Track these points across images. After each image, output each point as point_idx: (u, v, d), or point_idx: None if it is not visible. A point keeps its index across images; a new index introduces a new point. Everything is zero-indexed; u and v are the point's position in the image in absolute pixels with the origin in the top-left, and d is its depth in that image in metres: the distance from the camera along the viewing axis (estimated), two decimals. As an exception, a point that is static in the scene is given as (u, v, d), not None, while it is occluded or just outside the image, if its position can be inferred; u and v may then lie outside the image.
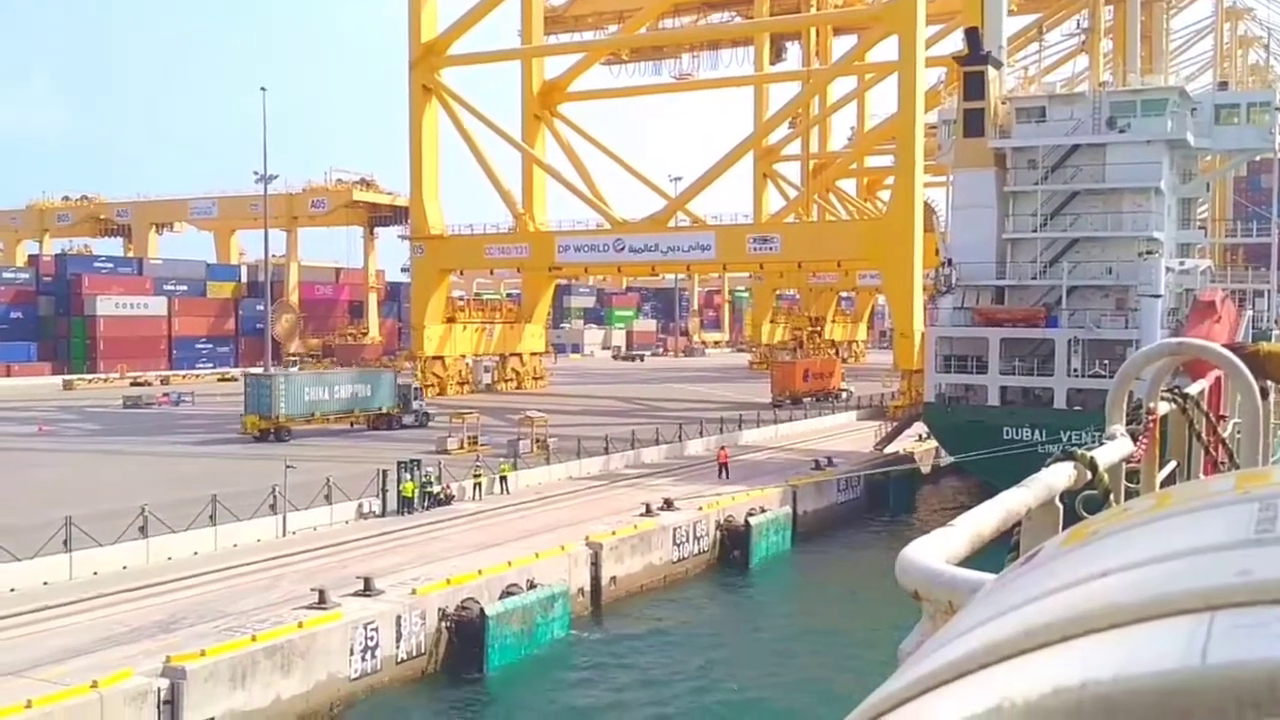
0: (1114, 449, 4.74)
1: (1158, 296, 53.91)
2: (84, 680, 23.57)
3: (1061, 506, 3.60)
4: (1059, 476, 3.64)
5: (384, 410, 68.65)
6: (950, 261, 58.94)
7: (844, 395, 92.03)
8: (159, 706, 24.11)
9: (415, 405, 70.40)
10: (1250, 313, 64.49)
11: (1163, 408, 6.57)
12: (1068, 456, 3.85)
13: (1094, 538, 1.16)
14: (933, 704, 0.93)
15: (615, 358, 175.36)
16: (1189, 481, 4.02)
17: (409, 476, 43.37)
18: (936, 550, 2.35)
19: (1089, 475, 3.90)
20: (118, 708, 23.38)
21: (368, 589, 30.62)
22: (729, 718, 28.73)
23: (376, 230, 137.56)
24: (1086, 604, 0.93)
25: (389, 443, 59.00)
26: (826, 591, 43.18)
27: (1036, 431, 52.89)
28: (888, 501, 55.49)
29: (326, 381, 69.09)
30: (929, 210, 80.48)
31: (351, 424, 68.22)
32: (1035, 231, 58.23)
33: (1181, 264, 60.52)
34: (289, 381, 66.41)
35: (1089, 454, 3.90)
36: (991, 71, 58.70)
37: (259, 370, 79.15)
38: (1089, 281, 57.13)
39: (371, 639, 28.95)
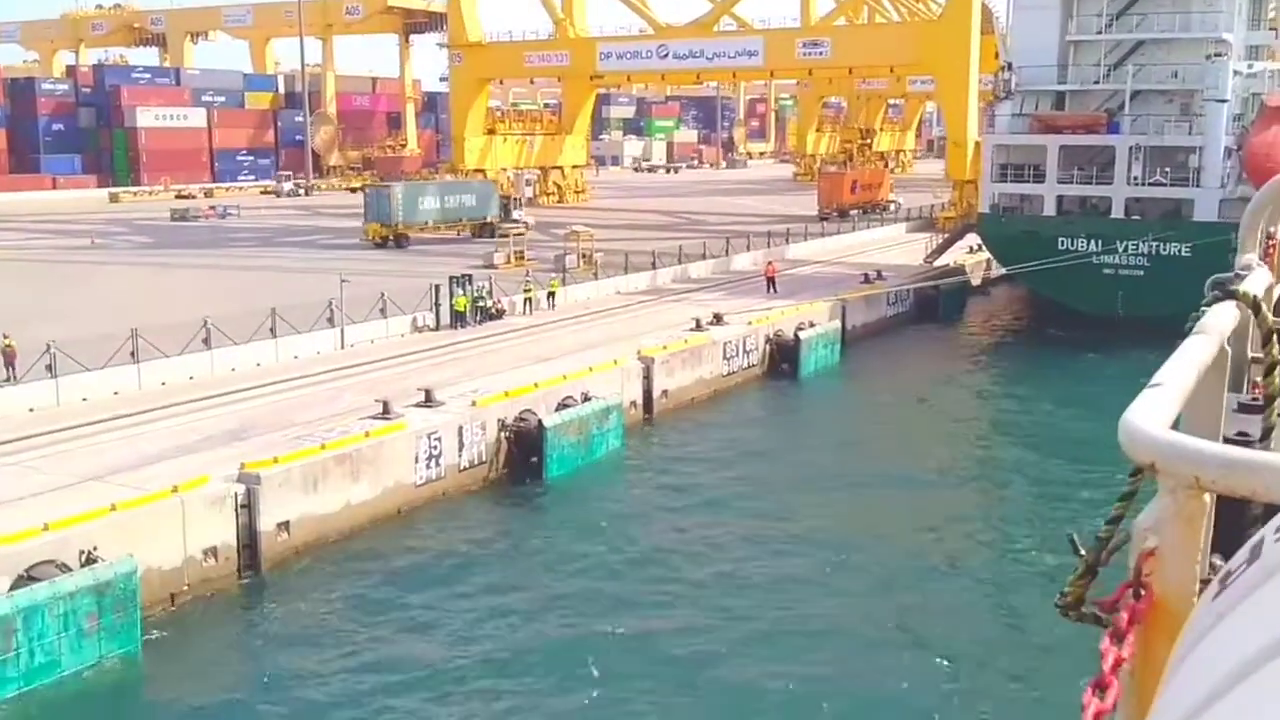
0: (1257, 280, 4.51)
1: (1224, 101, 51.93)
2: (164, 485, 24.53)
3: (1230, 350, 3.41)
4: (1225, 319, 3.45)
5: (488, 220, 70.91)
6: (1010, 65, 56.89)
7: (892, 207, 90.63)
8: (236, 510, 25.14)
9: (515, 215, 72.17)
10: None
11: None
12: (1227, 295, 3.63)
13: None
14: None
15: (636, 170, 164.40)
16: None
17: (461, 291, 43.71)
18: (1159, 415, 2.17)
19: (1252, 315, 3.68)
20: (198, 510, 24.38)
21: (429, 400, 31.35)
22: (778, 513, 29.63)
23: (412, 39, 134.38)
24: None
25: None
26: (874, 401, 43.64)
27: (1092, 242, 52.09)
28: (937, 315, 55.43)
29: (438, 191, 71.90)
30: (987, 11, 76.88)
31: (458, 233, 70.51)
32: (1100, 33, 55.79)
33: (1250, 67, 57.99)
34: (406, 191, 69.65)
35: (1250, 292, 3.69)
36: None
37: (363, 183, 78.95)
38: (1153, 86, 55.01)
39: (435, 448, 29.80)
